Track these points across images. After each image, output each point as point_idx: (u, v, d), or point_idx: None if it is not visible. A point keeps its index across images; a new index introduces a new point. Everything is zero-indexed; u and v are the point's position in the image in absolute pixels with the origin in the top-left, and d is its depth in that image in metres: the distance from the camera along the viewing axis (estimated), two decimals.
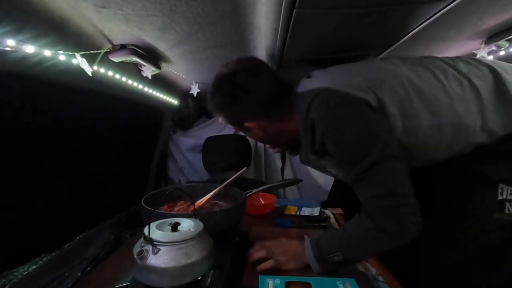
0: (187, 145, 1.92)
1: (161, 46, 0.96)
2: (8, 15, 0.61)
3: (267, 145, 0.95)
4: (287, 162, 1.96)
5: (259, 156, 2.02)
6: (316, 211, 1.08)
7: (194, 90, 1.39)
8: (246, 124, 0.77)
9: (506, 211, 0.60)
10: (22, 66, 0.71)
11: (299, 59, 1.09)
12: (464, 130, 0.62)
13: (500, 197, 0.61)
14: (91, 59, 0.84)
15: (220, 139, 1.83)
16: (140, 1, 0.66)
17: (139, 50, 0.94)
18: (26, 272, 0.69)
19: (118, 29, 0.80)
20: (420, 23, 0.79)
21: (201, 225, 0.56)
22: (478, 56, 0.99)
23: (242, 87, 0.72)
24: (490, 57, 1.03)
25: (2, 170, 0.80)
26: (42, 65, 0.75)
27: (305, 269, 0.67)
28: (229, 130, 1.85)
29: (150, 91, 1.32)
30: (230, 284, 0.60)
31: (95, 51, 0.85)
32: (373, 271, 0.76)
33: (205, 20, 0.77)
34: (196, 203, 0.73)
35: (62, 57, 0.76)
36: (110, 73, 0.97)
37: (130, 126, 1.45)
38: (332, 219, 1.06)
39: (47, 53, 0.72)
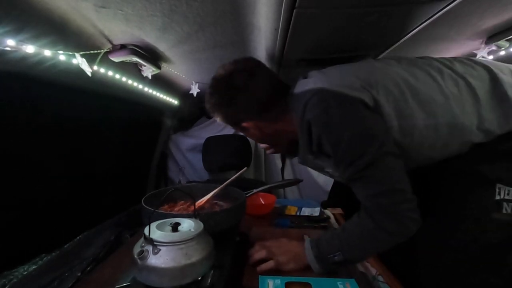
0: (187, 145, 1.92)
1: (161, 46, 0.96)
2: (8, 15, 0.61)
3: (262, 145, 0.95)
4: (287, 162, 1.96)
5: (259, 156, 2.02)
6: (316, 211, 1.08)
7: (194, 90, 1.39)
8: (244, 124, 0.77)
9: (504, 211, 0.60)
10: (22, 66, 0.71)
11: (299, 59, 1.09)
12: (460, 130, 0.63)
13: (497, 197, 0.61)
14: (91, 59, 0.84)
15: (220, 139, 1.83)
16: (140, 1, 0.66)
17: (139, 50, 0.94)
18: (26, 272, 0.69)
19: (118, 29, 0.80)
20: (420, 23, 0.79)
21: (201, 225, 0.56)
22: (478, 56, 1.00)
23: (239, 87, 0.72)
24: (490, 57, 1.03)
25: (2, 170, 0.80)
26: (42, 65, 0.74)
27: (305, 269, 0.67)
28: (229, 130, 1.85)
29: (150, 91, 1.32)
30: (230, 284, 0.60)
31: (95, 51, 0.85)
32: (373, 271, 0.76)
33: (205, 20, 0.77)
34: (196, 203, 0.73)
35: (62, 57, 0.76)
36: (110, 73, 0.97)
37: (130, 126, 1.45)
38: (332, 219, 1.06)
39: (47, 53, 0.72)
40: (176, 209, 0.80)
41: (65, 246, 0.79)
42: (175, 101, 1.68)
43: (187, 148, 1.92)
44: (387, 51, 1.02)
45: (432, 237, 0.69)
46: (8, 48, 0.64)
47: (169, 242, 0.50)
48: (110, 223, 0.98)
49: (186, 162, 1.93)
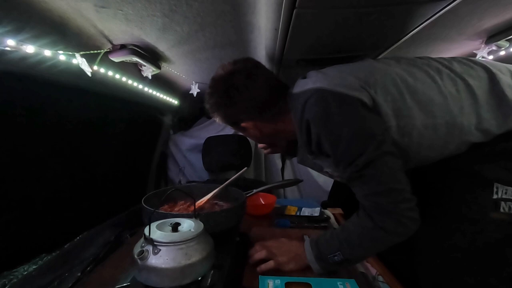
0: (187, 145, 1.91)
1: (161, 46, 0.96)
2: (8, 15, 0.61)
3: (260, 146, 0.95)
4: (287, 162, 1.96)
5: (259, 156, 2.02)
6: (316, 212, 1.08)
7: (194, 90, 1.39)
8: (243, 124, 0.78)
9: (501, 210, 0.60)
10: (22, 66, 0.71)
11: (299, 59, 1.09)
12: (459, 129, 0.63)
13: (495, 196, 0.61)
14: (91, 59, 0.84)
15: (220, 139, 1.83)
16: (140, 1, 0.66)
17: (139, 50, 0.94)
18: (26, 272, 0.69)
19: (118, 29, 0.80)
20: (420, 23, 0.79)
21: (201, 225, 0.56)
22: (478, 56, 1.00)
23: (238, 87, 0.73)
24: (490, 57, 1.03)
25: (2, 170, 0.80)
26: (42, 65, 0.74)
27: (306, 269, 0.67)
28: (229, 130, 1.84)
29: (150, 91, 1.32)
30: (230, 285, 0.60)
31: (95, 51, 0.85)
32: (373, 271, 0.76)
33: (205, 20, 0.77)
34: (196, 203, 0.73)
35: (62, 57, 0.76)
36: (110, 73, 0.97)
37: (130, 126, 1.45)
38: (332, 219, 1.06)
39: (47, 53, 0.72)
40: (176, 209, 0.80)
41: (65, 246, 0.79)
42: (175, 101, 1.68)
43: (187, 148, 1.92)
44: (387, 51, 1.02)
45: (430, 237, 0.69)
46: (8, 48, 0.64)
47: (169, 242, 0.50)
48: (110, 223, 0.97)
49: (186, 162, 1.93)
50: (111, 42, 0.89)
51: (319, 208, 1.11)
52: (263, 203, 1.11)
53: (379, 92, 0.63)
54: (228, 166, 1.79)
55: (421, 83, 0.65)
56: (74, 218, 1.02)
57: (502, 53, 0.99)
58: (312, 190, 1.78)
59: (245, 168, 0.96)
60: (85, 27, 0.77)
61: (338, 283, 0.60)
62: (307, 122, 0.65)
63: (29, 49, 0.67)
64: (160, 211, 0.67)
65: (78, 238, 0.84)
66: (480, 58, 0.90)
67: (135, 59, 0.94)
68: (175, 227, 0.54)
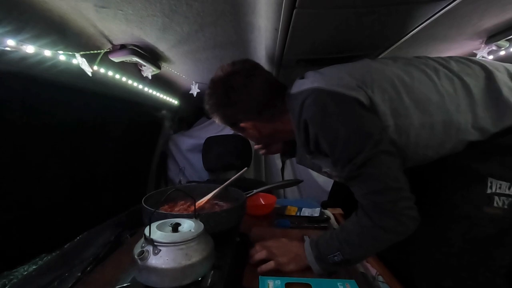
0: (187, 145, 1.91)
1: (161, 46, 0.95)
2: (8, 15, 0.61)
3: (256, 147, 0.96)
4: (287, 162, 1.96)
5: (259, 156, 2.02)
6: (316, 212, 1.08)
7: (194, 90, 1.39)
8: (242, 124, 0.78)
9: (495, 204, 0.61)
10: (22, 66, 0.71)
11: (299, 59, 1.09)
12: (455, 128, 0.63)
13: (489, 191, 0.61)
14: (91, 59, 0.84)
15: (220, 139, 1.83)
16: (140, 1, 0.66)
17: (139, 50, 0.94)
18: (26, 272, 0.69)
19: (118, 29, 0.80)
20: (420, 23, 0.79)
21: (201, 225, 0.56)
22: (478, 56, 1.00)
23: (237, 88, 0.74)
24: (490, 57, 1.03)
25: (2, 170, 0.80)
26: (42, 65, 0.74)
27: (306, 270, 0.67)
28: (229, 130, 1.83)
29: (150, 91, 1.32)
30: (230, 285, 0.60)
31: (95, 51, 0.85)
32: (373, 271, 0.76)
33: (205, 20, 0.77)
34: (196, 204, 0.73)
35: (62, 57, 0.76)
36: (110, 73, 0.97)
37: (130, 126, 1.45)
38: (332, 220, 1.06)
39: (47, 53, 0.72)
40: (176, 209, 0.80)
41: (65, 246, 0.79)
42: (175, 101, 1.68)
43: (187, 148, 1.92)
44: (387, 51, 1.02)
45: (425, 232, 0.69)
46: (8, 48, 0.64)
47: (170, 242, 0.50)
48: (110, 223, 0.97)
49: (186, 162, 1.93)
50: (111, 42, 0.89)
51: (319, 209, 1.11)
52: (263, 203, 1.11)
53: (376, 91, 0.63)
54: (228, 166, 1.79)
55: (418, 82, 0.65)
56: (74, 218, 1.02)
57: (502, 53, 0.99)
58: (312, 190, 1.78)
59: (245, 168, 0.96)
60: (85, 27, 0.77)
61: (338, 283, 0.60)
62: (305, 122, 0.65)
63: (29, 49, 0.67)
64: (160, 211, 0.67)
65: (78, 238, 0.84)
66: (480, 58, 0.90)
67: (135, 59, 0.94)
68: (175, 228, 0.54)
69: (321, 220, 1.02)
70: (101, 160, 1.25)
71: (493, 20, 0.82)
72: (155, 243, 0.50)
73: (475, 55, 1.02)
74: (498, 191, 0.61)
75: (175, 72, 1.25)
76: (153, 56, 1.03)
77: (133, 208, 1.08)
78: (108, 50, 0.90)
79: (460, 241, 0.65)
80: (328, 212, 1.11)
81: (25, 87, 0.81)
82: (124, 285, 0.54)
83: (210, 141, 1.82)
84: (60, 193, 1.01)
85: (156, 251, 0.49)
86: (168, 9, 0.70)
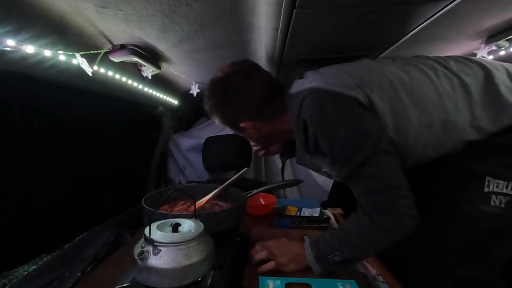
0: (187, 145, 1.91)
1: (161, 46, 0.95)
2: (8, 15, 0.61)
3: (255, 148, 0.96)
4: (287, 162, 1.96)
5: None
6: (316, 212, 1.08)
7: (194, 90, 1.39)
8: (241, 124, 0.79)
9: (492, 203, 0.61)
10: (22, 66, 0.71)
11: (299, 59, 1.09)
12: (454, 127, 0.63)
13: (486, 190, 0.61)
14: (91, 59, 0.84)
15: (220, 139, 1.83)
16: (140, 1, 0.66)
17: (139, 50, 0.94)
18: (26, 272, 0.69)
19: (118, 29, 0.80)
20: (420, 23, 0.79)
21: (201, 225, 0.56)
22: (478, 56, 1.00)
23: (236, 88, 0.74)
24: (490, 57, 1.03)
25: (2, 170, 0.80)
26: (42, 65, 0.74)
27: (306, 270, 0.67)
28: (229, 130, 1.84)
29: (150, 91, 1.32)
30: (230, 285, 0.60)
31: (95, 51, 0.85)
32: (373, 271, 0.76)
33: (205, 20, 0.77)
34: (196, 204, 0.73)
35: (62, 57, 0.76)
36: (110, 73, 0.97)
37: (130, 126, 1.45)
38: (332, 220, 1.06)
39: (47, 53, 0.72)
40: (176, 209, 0.80)
41: (65, 246, 0.79)
42: (175, 101, 1.68)
43: (187, 148, 1.92)
44: (387, 51, 1.02)
45: (426, 232, 0.69)
46: (8, 48, 0.64)
47: (170, 242, 0.50)
48: (110, 223, 0.97)
49: (186, 162, 1.93)
50: (111, 42, 0.89)
51: (319, 209, 1.11)
52: (263, 203, 1.11)
53: (374, 91, 0.63)
54: (228, 166, 1.79)
55: (417, 82, 0.65)
56: (74, 218, 1.02)
57: (502, 53, 0.99)
58: (312, 190, 1.78)
59: (245, 168, 0.96)
60: (85, 27, 0.77)
61: (338, 284, 0.60)
62: (304, 122, 0.65)
63: (29, 49, 0.67)
64: (160, 211, 0.67)
65: (78, 238, 0.84)
66: (479, 58, 0.90)
67: (135, 59, 0.94)
68: (175, 228, 0.54)
69: (321, 220, 1.02)
70: (101, 160, 1.25)
71: (493, 20, 0.82)
72: (155, 243, 0.50)
73: (475, 55, 1.02)
74: (495, 190, 0.61)
75: (175, 72, 1.25)
76: (153, 56, 1.03)
77: (133, 208, 1.08)
78: (108, 50, 0.90)
79: (459, 240, 0.65)
80: (328, 212, 1.11)
81: (25, 87, 0.81)
82: (124, 285, 0.54)
83: (210, 141, 1.82)
84: (60, 193, 1.01)
85: (156, 251, 0.49)
86: (168, 9, 0.70)
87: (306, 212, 1.10)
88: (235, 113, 0.77)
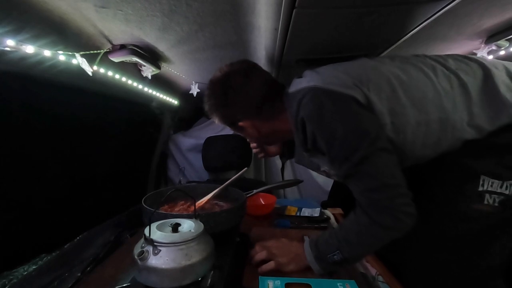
0: (187, 145, 1.91)
1: (161, 46, 0.95)
2: (8, 15, 0.61)
3: (254, 150, 0.97)
4: (287, 162, 1.96)
5: None
6: (316, 212, 1.08)
7: (194, 90, 1.39)
8: (241, 124, 0.79)
9: (485, 202, 0.61)
10: (22, 66, 0.71)
11: (299, 59, 1.09)
12: (451, 126, 0.63)
13: (480, 188, 0.61)
14: (91, 59, 0.84)
15: (220, 139, 1.83)
16: (140, 1, 0.66)
17: (139, 50, 0.94)
18: (26, 272, 0.69)
19: (118, 29, 0.80)
20: (420, 23, 0.79)
21: (201, 226, 0.56)
22: (478, 56, 1.00)
23: (235, 88, 0.74)
24: (490, 57, 1.03)
25: (2, 170, 0.80)
26: (42, 65, 0.74)
27: (306, 270, 0.67)
28: (229, 130, 1.83)
29: (150, 91, 1.32)
30: (230, 285, 0.60)
31: (95, 51, 0.85)
32: (373, 271, 0.76)
33: (205, 20, 0.77)
34: (196, 204, 0.73)
35: (62, 57, 0.76)
36: (110, 73, 0.97)
37: (130, 126, 1.45)
38: (332, 220, 1.06)
39: (47, 53, 0.72)
40: (176, 209, 0.80)
41: (65, 246, 0.79)
42: (175, 101, 1.68)
43: (187, 148, 1.92)
44: (387, 51, 1.02)
45: (424, 230, 0.69)
46: (8, 48, 0.64)
47: (170, 242, 0.50)
48: (110, 223, 0.97)
49: (186, 162, 1.93)
50: (111, 42, 0.89)
51: (319, 209, 1.11)
52: (263, 203, 1.11)
53: (372, 90, 0.63)
54: (228, 166, 1.79)
55: (415, 80, 0.65)
56: (74, 218, 1.02)
57: (502, 52, 0.99)
58: (312, 190, 1.78)
59: (245, 168, 0.96)
60: (85, 27, 0.77)
61: (338, 284, 0.60)
62: (302, 120, 0.66)
63: (29, 49, 0.67)
64: (160, 211, 0.67)
65: (78, 238, 0.84)
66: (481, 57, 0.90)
67: (135, 59, 0.94)
68: (175, 228, 0.54)
69: (321, 220, 1.02)
70: (101, 160, 1.25)
71: (493, 20, 0.82)
72: (155, 243, 0.50)
73: (475, 54, 1.02)
74: (489, 189, 0.61)
75: (175, 72, 1.25)
76: (153, 56, 1.03)
77: (133, 208, 1.08)
78: (108, 50, 0.90)
79: (457, 238, 0.65)
80: (328, 212, 1.11)
81: (25, 87, 0.81)
82: (124, 285, 0.54)
83: (210, 141, 1.82)
84: (60, 193, 1.01)
85: (156, 251, 0.49)
86: (168, 9, 0.70)
87: (306, 212, 1.10)
88: (235, 112, 0.77)
